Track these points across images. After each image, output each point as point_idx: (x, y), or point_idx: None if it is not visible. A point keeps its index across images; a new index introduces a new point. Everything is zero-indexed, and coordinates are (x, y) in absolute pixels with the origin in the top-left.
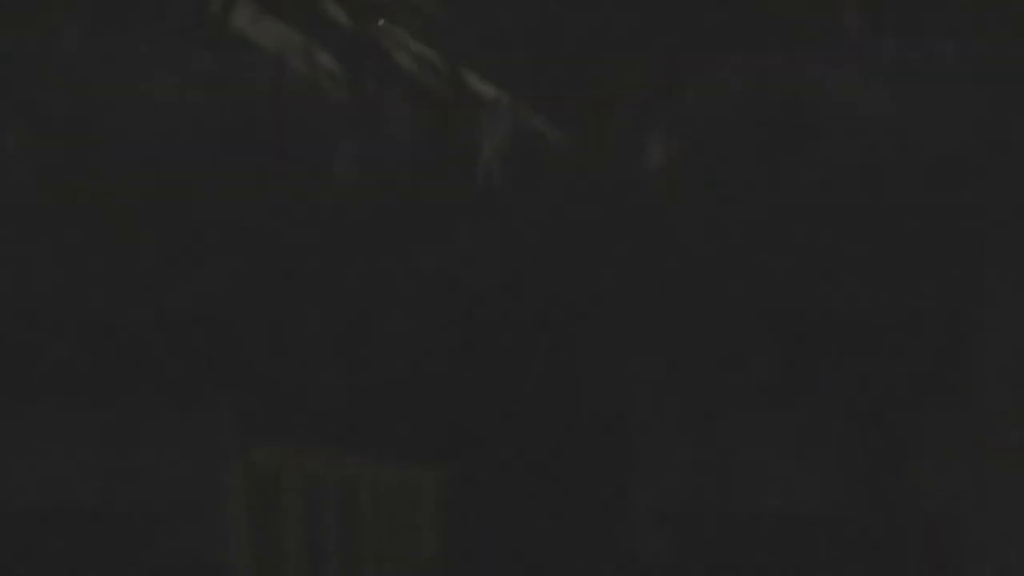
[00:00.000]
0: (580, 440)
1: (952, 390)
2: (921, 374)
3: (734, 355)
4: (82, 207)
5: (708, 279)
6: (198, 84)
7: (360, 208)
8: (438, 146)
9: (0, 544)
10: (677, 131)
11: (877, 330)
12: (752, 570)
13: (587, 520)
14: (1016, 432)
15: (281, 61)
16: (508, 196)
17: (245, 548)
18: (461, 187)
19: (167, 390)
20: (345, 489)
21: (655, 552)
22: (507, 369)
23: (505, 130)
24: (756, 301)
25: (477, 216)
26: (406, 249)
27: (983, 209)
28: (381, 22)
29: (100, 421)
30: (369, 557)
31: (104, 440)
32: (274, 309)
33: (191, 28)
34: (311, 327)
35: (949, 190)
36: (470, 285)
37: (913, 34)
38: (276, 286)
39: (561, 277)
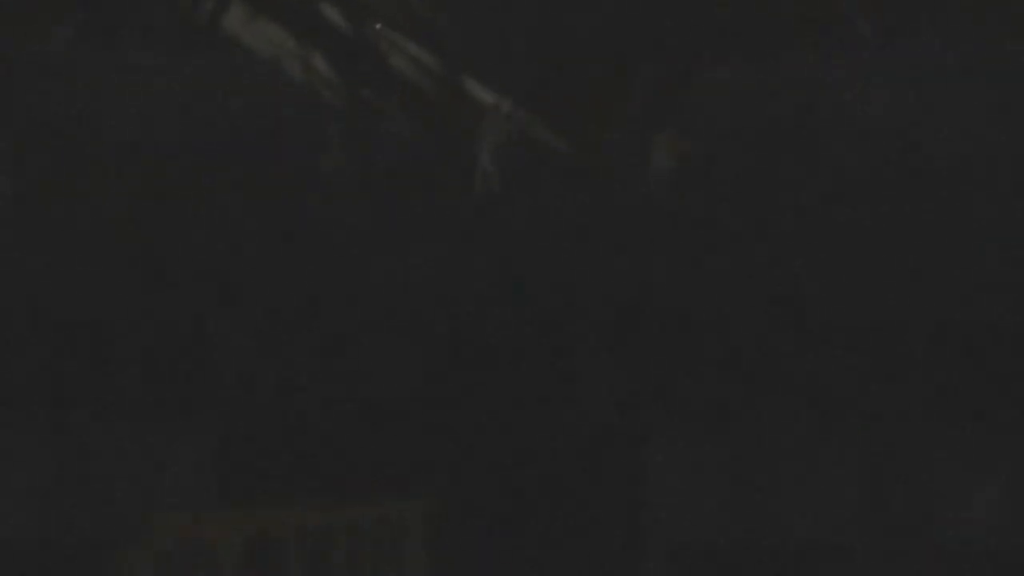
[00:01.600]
0: (584, 465)
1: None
2: (945, 387)
3: (750, 367)
4: (67, 211)
5: (716, 285)
6: (190, 86)
7: (353, 215)
8: (435, 152)
9: None
10: (681, 134)
11: (895, 340)
12: None
13: (592, 553)
14: None
15: (275, 64)
16: (506, 202)
17: None
18: (458, 194)
19: (130, 415)
20: (310, 541)
21: None
22: (503, 387)
23: (503, 135)
24: (768, 308)
25: (474, 224)
26: (399, 259)
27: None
28: (378, 25)
29: (56, 445)
30: None
31: (55, 467)
32: (254, 323)
33: (184, 30)
34: (292, 344)
35: (954, 192)
36: (465, 297)
37: (918, 36)
38: (259, 298)
39: (562, 288)
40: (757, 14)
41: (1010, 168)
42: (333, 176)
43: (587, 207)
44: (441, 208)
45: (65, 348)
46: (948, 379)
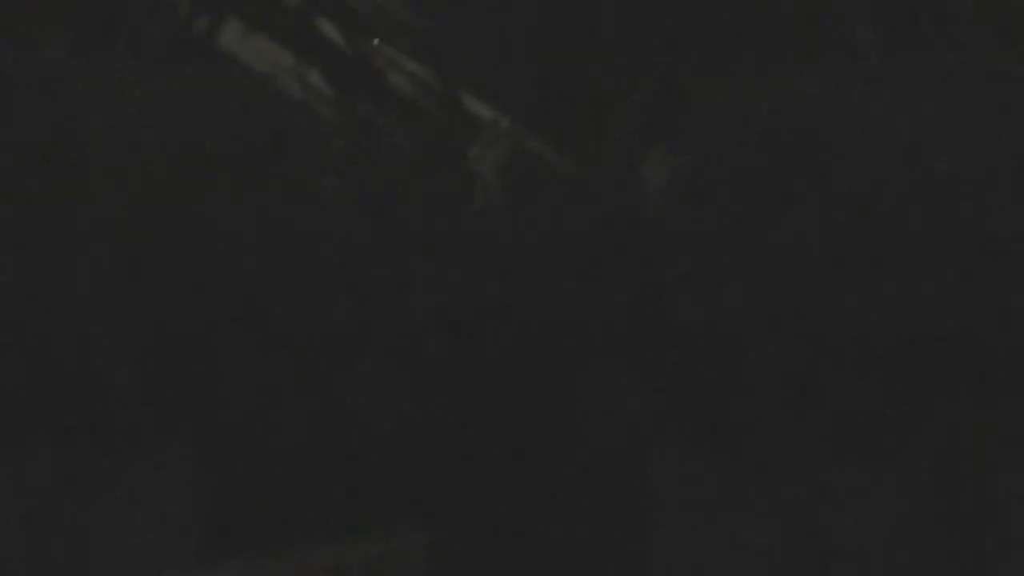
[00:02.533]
0: (589, 498)
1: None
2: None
3: (757, 397)
4: (55, 226)
5: (718, 300)
6: (184, 104)
7: (350, 234)
8: (434, 167)
9: None
10: (681, 150)
11: (904, 354)
12: None
13: None
14: None
15: (270, 81)
16: (506, 220)
17: None
18: (457, 211)
19: (109, 440)
20: None
21: None
22: (503, 414)
23: (503, 150)
24: (771, 322)
25: (474, 242)
26: (396, 278)
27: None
28: (376, 41)
29: (36, 473)
30: None
31: (37, 496)
32: (247, 344)
33: (179, 47)
34: (285, 365)
35: (962, 206)
36: (465, 318)
37: (926, 48)
38: (252, 318)
39: (564, 309)
40: (756, 27)
41: (1018, 179)
42: (331, 193)
43: (587, 222)
44: (440, 224)
45: (42, 366)
46: (960, 397)
